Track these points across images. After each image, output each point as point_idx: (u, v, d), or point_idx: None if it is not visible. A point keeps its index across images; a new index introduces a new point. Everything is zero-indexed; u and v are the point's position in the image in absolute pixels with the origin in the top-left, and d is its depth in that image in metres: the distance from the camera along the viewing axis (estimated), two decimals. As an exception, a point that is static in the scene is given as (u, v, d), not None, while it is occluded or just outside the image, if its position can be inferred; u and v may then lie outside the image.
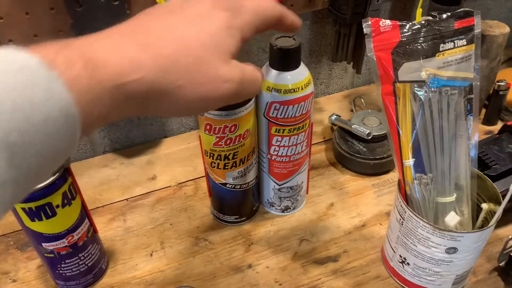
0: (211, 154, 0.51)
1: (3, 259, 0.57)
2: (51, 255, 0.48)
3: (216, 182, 0.54)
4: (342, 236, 0.58)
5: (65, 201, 0.45)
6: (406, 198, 0.48)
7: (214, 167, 0.53)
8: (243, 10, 0.31)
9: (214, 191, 0.56)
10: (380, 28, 0.43)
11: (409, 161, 0.47)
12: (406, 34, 0.43)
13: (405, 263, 0.49)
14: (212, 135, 0.49)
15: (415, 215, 0.45)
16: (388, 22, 0.43)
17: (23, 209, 0.43)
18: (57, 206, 0.45)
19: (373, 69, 0.44)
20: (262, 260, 0.55)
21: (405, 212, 0.46)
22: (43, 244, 0.47)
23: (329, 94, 0.81)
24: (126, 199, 0.64)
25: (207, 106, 0.31)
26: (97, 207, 0.63)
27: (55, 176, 0.43)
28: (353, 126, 0.65)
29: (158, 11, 0.30)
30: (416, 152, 0.46)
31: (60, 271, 0.50)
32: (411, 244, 0.47)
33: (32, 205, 0.43)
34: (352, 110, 0.76)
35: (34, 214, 0.44)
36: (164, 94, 0.28)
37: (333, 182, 0.65)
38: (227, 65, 0.30)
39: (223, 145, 0.50)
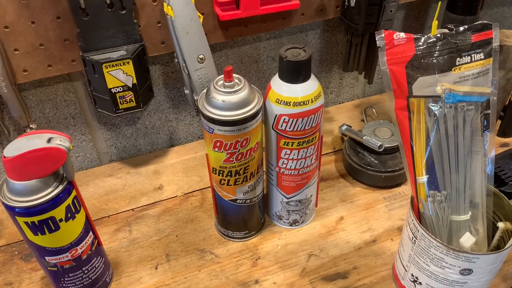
0: (221, 172, 0.50)
1: (7, 270, 0.56)
2: (54, 269, 0.47)
3: (225, 199, 0.53)
4: (352, 252, 0.56)
5: (69, 215, 0.44)
6: (419, 215, 0.46)
7: (223, 184, 0.51)
8: None
9: (222, 208, 0.55)
10: (394, 41, 0.42)
11: (423, 178, 0.45)
12: (421, 47, 0.41)
13: (417, 282, 0.48)
14: (222, 152, 0.48)
15: (429, 235, 0.43)
16: (402, 34, 0.42)
17: (26, 223, 0.43)
18: (60, 220, 0.44)
19: (386, 83, 0.43)
20: (269, 275, 0.54)
21: (418, 230, 0.45)
22: (46, 258, 0.46)
23: (340, 103, 0.80)
24: (132, 209, 0.63)
25: None
26: (103, 217, 0.62)
27: (58, 190, 0.42)
28: (364, 138, 0.64)
29: None
30: (430, 169, 0.45)
31: (64, 285, 0.49)
32: (424, 264, 0.46)
33: (35, 219, 0.42)
34: (363, 120, 0.75)
35: (37, 228, 0.43)
36: None
37: (343, 195, 0.64)
38: None
39: (234, 161, 0.48)
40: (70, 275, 0.48)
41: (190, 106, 0.69)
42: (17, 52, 0.52)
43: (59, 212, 0.43)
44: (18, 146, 0.40)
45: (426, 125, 0.44)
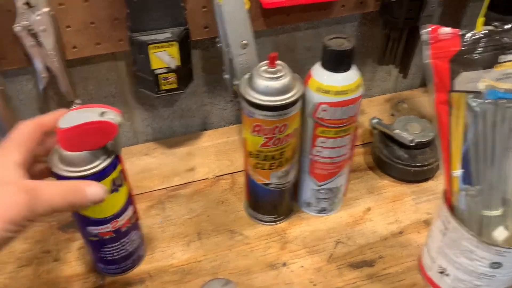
0: (257, 156, 0.52)
1: (45, 239, 0.58)
2: (95, 239, 0.49)
3: (259, 183, 0.54)
4: (378, 242, 0.57)
5: (114, 188, 0.46)
6: (451, 208, 0.47)
7: (258, 168, 0.53)
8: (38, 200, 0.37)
9: (254, 192, 0.57)
10: (438, 36, 0.42)
11: (458, 172, 0.46)
12: (466, 43, 0.42)
13: (445, 274, 0.49)
14: (260, 136, 0.49)
15: (461, 227, 0.44)
16: (447, 29, 0.42)
17: None
18: None
19: (428, 77, 0.44)
20: (297, 259, 0.55)
21: (450, 222, 0.46)
22: (88, 228, 0.48)
23: (371, 96, 0.81)
24: (165, 188, 0.65)
25: None
26: (137, 194, 0.64)
27: (107, 162, 0.44)
28: (395, 131, 0.65)
29: None
30: (465, 163, 0.46)
31: (102, 255, 0.51)
32: (453, 256, 0.47)
33: None
34: (393, 115, 0.75)
35: None
36: None
37: (370, 187, 0.65)
38: None
39: (271, 146, 0.50)
40: (109, 245, 0.50)
41: (225, 91, 0.71)
42: (69, 29, 0.54)
43: (105, 184, 0.45)
44: (72, 118, 0.41)
45: (465, 120, 0.44)
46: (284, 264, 0.55)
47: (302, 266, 0.55)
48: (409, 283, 0.53)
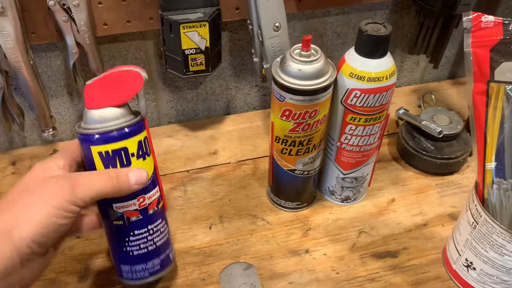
0: (284, 141, 0.51)
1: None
2: (120, 222, 0.44)
3: (284, 168, 0.54)
4: (402, 233, 0.57)
5: (140, 152, 0.43)
6: (483, 201, 0.46)
7: (285, 153, 0.52)
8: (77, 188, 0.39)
9: (279, 177, 0.56)
10: (481, 24, 0.41)
11: (491, 165, 0.45)
12: (509, 32, 0.41)
13: (471, 267, 0.48)
14: (290, 121, 0.49)
15: (493, 220, 0.43)
16: (490, 18, 0.41)
17: (100, 154, 0.41)
18: (132, 155, 0.42)
19: (467, 66, 0.43)
20: (320, 247, 0.55)
21: (481, 216, 0.45)
22: (114, 206, 0.43)
23: (397, 87, 0.79)
24: (187, 171, 0.65)
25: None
26: (159, 175, 0.64)
27: (133, 121, 0.42)
28: (423, 123, 0.63)
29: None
30: (500, 156, 0.45)
31: (128, 248, 0.46)
32: (482, 250, 0.46)
33: (109, 148, 0.41)
34: (419, 106, 0.74)
35: (109, 161, 0.42)
36: None
37: (395, 177, 0.64)
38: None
39: (300, 131, 0.49)
40: (136, 232, 0.45)
41: (251, 75, 0.71)
42: (101, 5, 0.54)
43: (131, 145, 0.42)
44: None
45: (502, 112, 0.43)
46: (307, 251, 0.55)
47: (324, 254, 0.54)
48: (433, 276, 0.52)
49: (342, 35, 0.69)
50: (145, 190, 0.45)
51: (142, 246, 0.46)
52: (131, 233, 0.45)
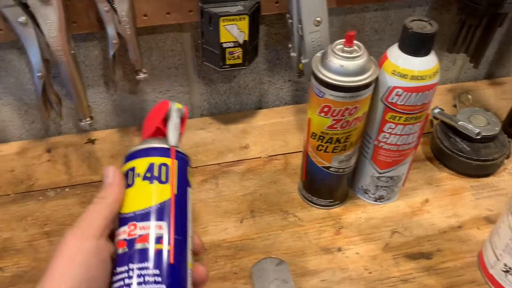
0: (321, 137, 0.50)
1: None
2: (114, 255, 0.36)
3: (319, 165, 0.53)
4: (436, 234, 0.56)
5: (148, 175, 0.38)
6: (526, 206, 0.45)
7: (321, 150, 0.52)
8: None
9: (313, 174, 0.56)
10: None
11: (537, 169, 0.44)
12: None
13: (510, 273, 0.47)
14: (328, 117, 0.48)
15: (537, 226, 0.42)
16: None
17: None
18: (138, 175, 0.38)
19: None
20: (352, 245, 0.55)
21: (524, 221, 0.44)
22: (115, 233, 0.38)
23: (432, 86, 0.78)
24: (219, 164, 0.65)
25: None
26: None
27: (147, 145, 0.39)
28: (459, 123, 0.62)
29: None
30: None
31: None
32: (524, 255, 0.45)
33: (124, 168, 0.39)
34: (455, 106, 0.73)
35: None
36: None
37: (429, 178, 0.63)
38: None
39: (338, 128, 0.49)
40: (117, 269, 0.35)
41: (285, 70, 0.70)
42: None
43: (140, 165, 0.38)
44: None
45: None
46: (339, 249, 0.54)
47: (357, 253, 0.54)
48: (468, 279, 0.51)
49: (380, 31, 0.68)
50: (140, 217, 0.36)
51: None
52: (114, 271, 0.35)
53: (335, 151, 0.52)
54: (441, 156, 0.65)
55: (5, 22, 0.51)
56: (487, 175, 0.63)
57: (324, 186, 0.57)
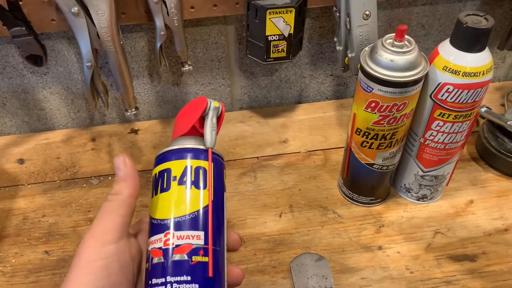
0: (366, 133, 0.50)
1: (143, 193, 0.60)
2: (147, 265, 0.35)
3: (362, 162, 0.53)
4: (481, 237, 0.54)
5: (185, 179, 0.36)
6: None
7: (365, 146, 0.51)
8: None
9: (355, 171, 0.55)
10: None
11: None
12: None
13: (562, 280, 0.45)
14: (375, 113, 0.47)
15: None
16: None
17: (154, 175, 0.37)
18: (174, 178, 0.36)
19: None
20: (393, 244, 0.54)
21: None
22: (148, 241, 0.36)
23: (479, 84, 0.75)
24: (257, 157, 0.65)
25: None
26: (229, 160, 0.64)
27: (183, 146, 0.37)
28: (509, 123, 0.60)
29: None
30: None
31: None
32: None
33: (157, 170, 0.37)
34: (502, 105, 0.70)
35: (155, 182, 0.37)
36: None
37: (473, 179, 0.61)
38: None
39: (385, 124, 0.48)
40: (153, 281, 0.34)
41: (327, 64, 0.69)
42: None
43: (175, 168, 0.36)
44: None
45: None
46: (380, 248, 0.53)
47: (398, 252, 0.53)
48: (514, 284, 0.50)
49: (427, 27, 0.66)
50: (177, 225, 0.34)
51: None
52: (149, 282, 0.34)
53: (380, 148, 0.51)
54: (487, 156, 0.63)
55: (57, 13, 0.53)
56: (535, 177, 0.61)
57: (366, 183, 0.56)
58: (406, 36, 0.45)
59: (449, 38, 0.46)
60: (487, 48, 0.46)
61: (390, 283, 0.50)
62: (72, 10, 0.48)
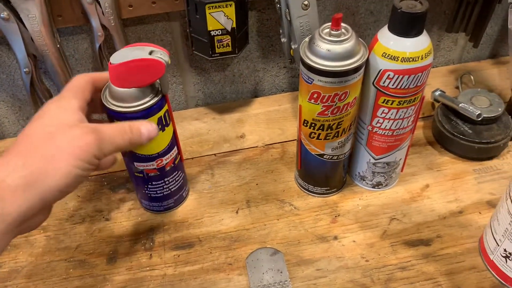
0: (313, 124, 0.49)
1: (97, 198, 0.59)
2: (140, 175, 0.51)
3: (312, 153, 0.52)
4: (436, 220, 0.54)
5: (160, 126, 0.47)
6: (525, 190, 0.43)
7: (313, 137, 0.51)
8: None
9: (307, 162, 0.55)
10: (528, -3, 0.38)
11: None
12: (560, 5, 0.38)
13: (510, 258, 0.46)
14: (318, 104, 0.47)
15: (536, 210, 0.41)
16: (539, -10, 0.38)
17: None
18: None
19: (511, 43, 0.39)
20: (349, 233, 0.54)
21: (522, 205, 0.42)
22: (135, 164, 0.50)
23: (434, 67, 0.76)
24: (215, 154, 0.64)
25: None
26: (187, 159, 0.63)
27: (154, 100, 0.45)
28: (460, 105, 0.60)
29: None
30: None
31: (146, 192, 0.54)
32: (523, 241, 0.43)
33: None
34: (457, 87, 0.70)
35: None
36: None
37: (429, 162, 0.61)
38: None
39: (329, 115, 0.47)
40: (153, 183, 0.53)
41: (279, 57, 0.69)
42: None
43: (153, 121, 0.46)
44: (123, 55, 0.43)
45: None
46: (335, 238, 0.53)
47: (354, 241, 0.53)
48: (468, 265, 0.50)
49: (376, 13, 0.66)
50: (163, 154, 0.50)
51: (158, 191, 0.54)
52: (149, 184, 0.52)
53: (327, 138, 0.50)
54: (442, 140, 0.63)
55: (-11, 19, 0.51)
56: (490, 158, 0.61)
57: (320, 174, 0.55)
58: (343, 24, 0.45)
59: (387, 25, 0.46)
60: (425, 32, 0.45)
61: (345, 273, 0.50)
62: (1, 15, 0.47)
